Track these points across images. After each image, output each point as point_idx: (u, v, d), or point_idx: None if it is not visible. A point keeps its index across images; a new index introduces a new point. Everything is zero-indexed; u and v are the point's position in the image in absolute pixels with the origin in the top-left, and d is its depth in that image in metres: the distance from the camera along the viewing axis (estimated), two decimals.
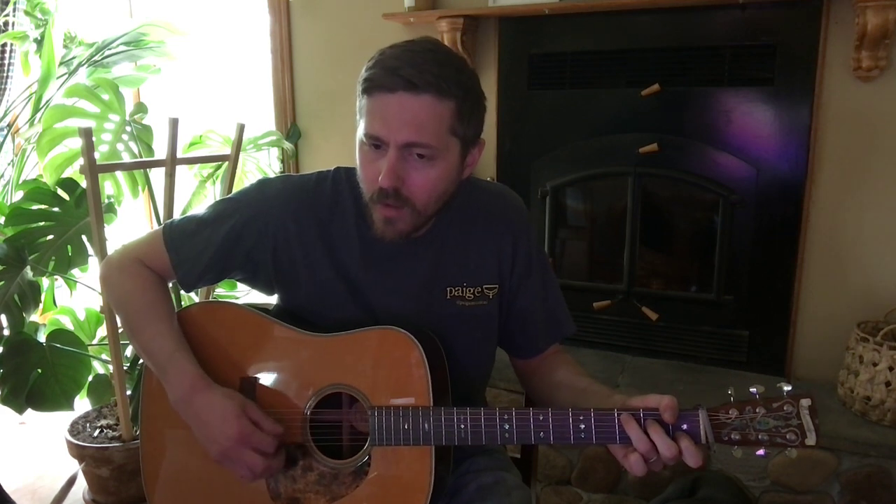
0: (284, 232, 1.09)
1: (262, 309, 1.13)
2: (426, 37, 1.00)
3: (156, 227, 1.22)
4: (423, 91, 0.94)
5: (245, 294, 2.66)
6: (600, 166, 2.45)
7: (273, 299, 1.20)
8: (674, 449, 0.89)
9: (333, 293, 1.10)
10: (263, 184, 1.15)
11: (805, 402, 0.89)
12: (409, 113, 0.95)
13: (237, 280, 1.17)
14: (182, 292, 2.19)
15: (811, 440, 0.89)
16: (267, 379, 1.09)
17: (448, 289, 1.11)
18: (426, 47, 0.97)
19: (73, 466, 2.22)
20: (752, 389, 0.91)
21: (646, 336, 2.46)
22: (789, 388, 0.90)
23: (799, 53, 2.11)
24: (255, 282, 1.16)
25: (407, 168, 0.98)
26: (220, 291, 2.63)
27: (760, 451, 0.91)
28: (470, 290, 1.11)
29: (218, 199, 1.19)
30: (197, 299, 2.23)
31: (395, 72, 0.93)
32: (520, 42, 2.50)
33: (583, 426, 0.94)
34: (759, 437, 0.90)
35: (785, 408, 0.90)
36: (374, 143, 0.98)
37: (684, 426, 0.91)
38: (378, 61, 0.96)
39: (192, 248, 1.11)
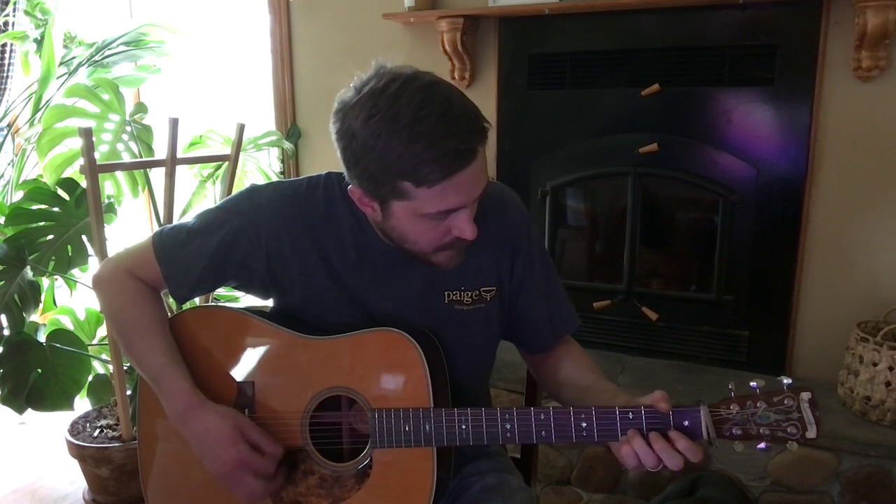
0: (277, 240, 1.08)
1: (258, 312, 1.13)
2: (414, 76, 0.91)
3: (156, 227, 1.21)
4: (482, 144, 0.93)
5: (243, 295, 2.65)
6: (600, 166, 2.45)
7: (269, 302, 1.19)
8: (679, 459, 0.89)
9: (331, 300, 1.09)
10: (253, 191, 1.12)
11: (805, 396, 0.90)
12: (481, 168, 0.94)
13: (232, 287, 1.16)
14: None
15: (812, 433, 0.89)
16: (265, 383, 1.09)
17: (446, 293, 1.10)
18: (446, 95, 0.90)
19: (74, 466, 2.22)
20: (753, 384, 0.92)
21: (646, 336, 2.46)
22: (789, 381, 0.90)
23: (799, 53, 2.11)
24: (249, 288, 1.15)
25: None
26: (221, 292, 2.62)
27: (762, 445, 0.91)
28: (468, 294, 1.11)
29: (211, 205, 1.17)
30: (197, 301, 2.22)
31: (463, 147, 0.89)
32: (520, 42, 2.50)
33: (584, 424, 0.94)
34: (761, 431, 0.90)
35: (785, 401, 0.90)
36: (445, 214, 0.95)
37: (686, 422, 0.91)
38: (433, 142, 0.87)
39: (182, 260, 1.09)
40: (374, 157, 0.90)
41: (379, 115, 0.89)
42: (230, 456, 1.00)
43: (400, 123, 0.87)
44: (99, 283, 1.14)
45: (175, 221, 1.21)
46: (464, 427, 0.98)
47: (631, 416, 0.93)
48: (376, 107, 0.89)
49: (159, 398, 1.06)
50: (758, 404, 0.90)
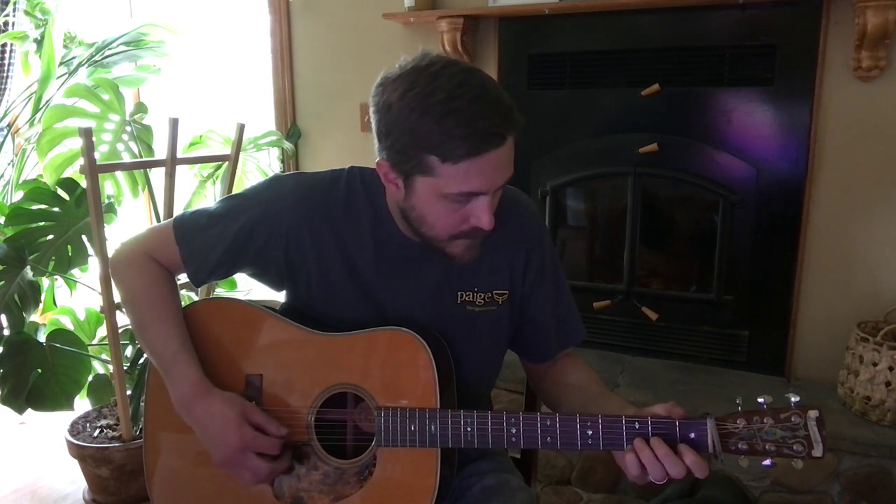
0: (297, 231, 1.08)
1: (269, 306, 1.13)
2: (457, 61, 0.95)
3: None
4: (512, 132, 0.94)
5: (245, 294, 2.65)
6: (600, 166, 2.45)
7: (280, 296, 1.19)
8: (682, 468, 0.89)
9: (344, 294, 1.10)
10: (276, 181, 1.14)
11: (813, 414, 0.90)
12: (507, 158, 0.95)
13: (247, 275, 1.16)
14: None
15: (818, 452, 0.89)
16: (273, 377, 1.09)
17: (459, 293, 1.10)
18: (480, 80, 0.92)
19: (74, 466, 2.22)
20: (760, 400, 0.91)
21: (646, 336, 2.46)
22: (797, 399, 0.90)
23: (799, 53, 2.11)
24: (264, 278, 1.15)
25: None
26: (220, 291, 2.62)
27: (767, 462, 0.90)
28: (480, 296, 1.11)
29: (228, 195, 1.18)
30: (195, 297, 2.22)
31: (493, 130, 0.91)
32: (520, 42, 2.50)
33: (590, 432, 0.94)
34: (766, 447, 0.90)
35: (792, 419, 0.90)
36: (466, 197, 0.95)
37: (692, 435, 0.91)
38: (465, 121, 0.89)
39: (203, 243, 1.11)
40: (405, 129, 0.92)
41: (417, 90, 0.91)
42: (235, 438, 1.00)
43: (435, 98, 0.90)
44: (117, 264, 1.15)
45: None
46: (469, 430, 0.98)
47: (637, 425, 0.93)
48: (416, 82, 0.91)
49: (166, 384, 1.06)
50: (765, 420, 0.90)
